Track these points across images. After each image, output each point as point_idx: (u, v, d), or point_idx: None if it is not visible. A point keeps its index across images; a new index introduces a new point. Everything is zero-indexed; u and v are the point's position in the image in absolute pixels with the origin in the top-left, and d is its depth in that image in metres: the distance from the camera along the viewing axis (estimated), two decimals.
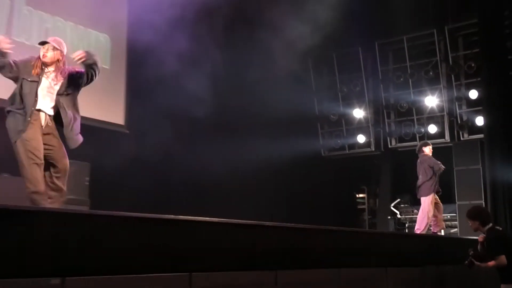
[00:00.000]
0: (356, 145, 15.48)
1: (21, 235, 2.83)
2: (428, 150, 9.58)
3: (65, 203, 5.19)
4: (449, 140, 14.02)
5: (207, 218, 4.00)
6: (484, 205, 12.39)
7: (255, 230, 4.27)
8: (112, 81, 11.15)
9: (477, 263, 6.13)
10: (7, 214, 2.82)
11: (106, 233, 3.25)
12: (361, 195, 16.50)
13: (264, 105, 12.50)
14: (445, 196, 10.31)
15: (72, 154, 9.13)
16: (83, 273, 3.02)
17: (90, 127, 10.34)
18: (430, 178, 9.22)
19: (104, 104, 10.90)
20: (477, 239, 6.55)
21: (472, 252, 6.26)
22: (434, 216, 9.32)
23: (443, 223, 9.47)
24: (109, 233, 3.27)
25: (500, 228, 6.70)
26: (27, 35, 9.75)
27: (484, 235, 6.38)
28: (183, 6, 10.24)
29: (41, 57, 5.17)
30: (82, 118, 10.55)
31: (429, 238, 8.30)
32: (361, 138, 15.27)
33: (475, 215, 6.43)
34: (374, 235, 7.42)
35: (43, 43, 5.31)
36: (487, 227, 6.34)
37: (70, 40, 10.44)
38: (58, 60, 5.23)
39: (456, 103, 13.95)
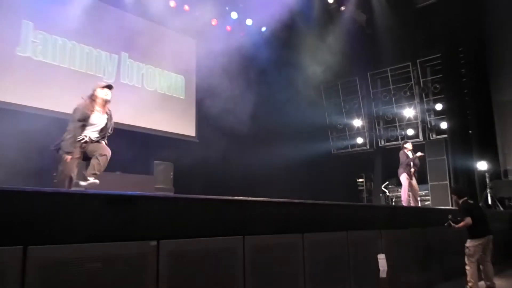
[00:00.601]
0: (356, 145, 15.44)
1: (129, 212, 2.87)
2: (408, 146, 9.28)
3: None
4: (422, 140, 13.88)
5: (255, 198, 3.99)
6: (448, 185, 12.35)
7: (288, 206, 4.24)
8: (186, 107, 11.35)
9: (453, 225, 6.09)
10: (119, 199, 2.88)
11: (185, 210, 3.27)
12: (360, 180, 16.40)
13: (289, 121, 12.53)
14: (421, 179, 10.08)
15: (161, 157, 9.37)
16: (171, 237, 3.05)
17: (172, 139, 10.55)
18: (405, 164, 8.99)
19: (182, 123, 11.11)
20: (446, 208, 6.42)
21: (450, 216, 6.15)
22: (411, 192, 9.06)
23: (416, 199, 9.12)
24: (187, 210, 3.29)
25: (472, 202, 6.48)
26: (130, 78, 10.06)
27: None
28: (230, 56, 10.45)
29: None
30: (169, 132, 10.72)
31: (411, 208, 8.06)
32: (359, 140, 15.30)
33: (454, 191, 6.93)
34: (371, 207, 7.27)
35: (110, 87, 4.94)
36: (462, 199, 6.37)
37: (158, 81, 10.69)
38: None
39: (427, 113, 13.85)
